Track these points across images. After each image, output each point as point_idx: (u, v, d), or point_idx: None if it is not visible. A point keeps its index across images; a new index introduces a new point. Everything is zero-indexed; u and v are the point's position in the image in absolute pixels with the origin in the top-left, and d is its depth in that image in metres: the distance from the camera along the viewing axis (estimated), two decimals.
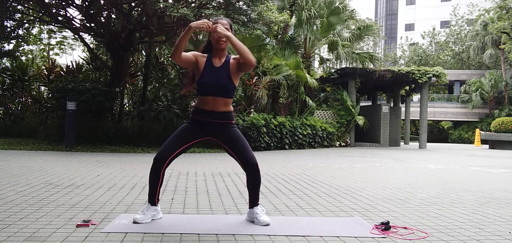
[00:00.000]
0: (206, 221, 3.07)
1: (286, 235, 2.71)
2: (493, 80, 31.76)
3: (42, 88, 14.87)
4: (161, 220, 3.01)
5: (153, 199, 2.96)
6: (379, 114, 17.68)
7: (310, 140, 13.92)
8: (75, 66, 13.65)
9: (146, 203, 2.99)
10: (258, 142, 11.51)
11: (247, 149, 2.93)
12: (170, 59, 14.49)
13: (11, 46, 15.45)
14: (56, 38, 17.81)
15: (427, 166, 8.19)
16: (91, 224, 2.83)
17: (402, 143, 20.20)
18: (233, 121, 3.01)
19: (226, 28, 2.88)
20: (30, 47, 18.93)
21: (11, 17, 11.99)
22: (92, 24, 11.11)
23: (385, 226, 2.90)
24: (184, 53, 2.86)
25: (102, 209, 3.36)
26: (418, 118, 19.77)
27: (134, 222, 2.86)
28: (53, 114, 11.21)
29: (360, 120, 16.22)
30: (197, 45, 10.98)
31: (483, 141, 21.89)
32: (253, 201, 3.01)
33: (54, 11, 11.42)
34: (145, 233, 2.67)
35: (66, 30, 14.75)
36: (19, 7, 11.78)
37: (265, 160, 8.38)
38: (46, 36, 17.56)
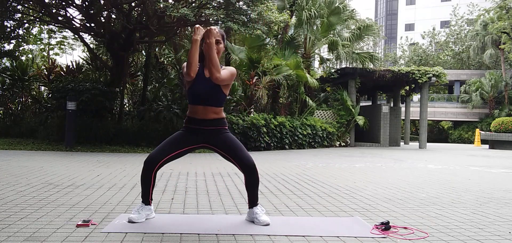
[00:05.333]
0: (206, 221, 3.07)
1: (286, 235, 2.71)
2: (493, 80, 31.74)
3: (42, 88, 14.86)
4: (161, 220, 3.01)
5: (147, 199, 2.99)
6: (379, 114, 17.67)
7: (310, 140, 13.92)
8: (75, 66, 13.64)
9: (141, 203, 3.00)
10: (258, 142, 11.50)
11: (243, 150, 2.95)
12: (170, 59, 14.50)
13: (11, 46, 15.44)
14: (56, 38, 17.80)
15: (427, 166, 8.18)
16: (91, 224, 2.83)
17: (402, 143, 20.19)
18: (226, 127, 3.02)
19: (217, 40, 2.89)
20: (30, 47, 18.93)
21: (11, 17, 11.99)
22: (92, 24, 11.11)
23: (385, 226, 2.91)
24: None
25: (102, 209, 3.36)
26: (418, 118, 19.75)
27: (129, 221, 2.87)
28: (53, 114, 11.21)
29: (360, 120, 16.22)
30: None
31: (483, 141, 21.86)
32: (253, 201, 3.02)
33: (54, 11, 11.42)
34: (145, 233, 2.67)
35: (66, 30, 14.75)
36: (19, 7, 11.77)
37: (265, 160, 8.38)
38: (46, 36, 17.55)
